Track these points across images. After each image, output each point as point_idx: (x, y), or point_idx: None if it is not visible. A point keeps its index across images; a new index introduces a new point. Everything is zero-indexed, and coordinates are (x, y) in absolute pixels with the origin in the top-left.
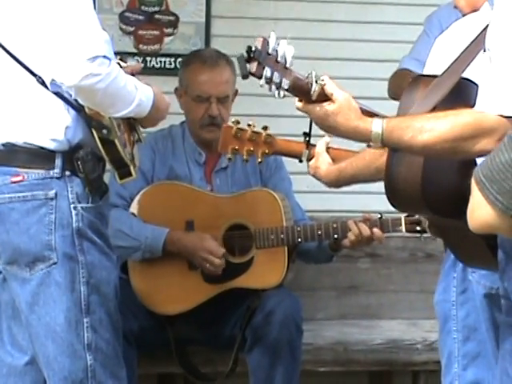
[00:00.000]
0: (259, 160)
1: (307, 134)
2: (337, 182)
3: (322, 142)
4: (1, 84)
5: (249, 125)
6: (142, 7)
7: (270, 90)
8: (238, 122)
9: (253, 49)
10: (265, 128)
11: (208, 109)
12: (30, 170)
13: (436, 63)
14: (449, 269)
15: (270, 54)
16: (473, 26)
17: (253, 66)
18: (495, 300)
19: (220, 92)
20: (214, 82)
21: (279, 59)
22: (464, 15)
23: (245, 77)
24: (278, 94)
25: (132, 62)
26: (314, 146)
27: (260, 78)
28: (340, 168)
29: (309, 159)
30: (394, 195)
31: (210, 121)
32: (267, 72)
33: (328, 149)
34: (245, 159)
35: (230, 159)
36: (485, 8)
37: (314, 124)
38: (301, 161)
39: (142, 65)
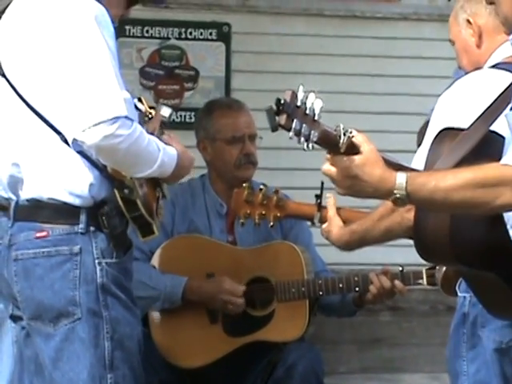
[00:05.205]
0: (271, 224)
1: (318, 197)
2: (348, 245)
3: (331, 203)
4: (27, 141)
5: (260, 189)
6: (163, 62)
7: (299, 142)
8: (249, 187)
9: (282, 101)
10: (276, 192)
11: (242, 149)
12: (55, 225)
13: (442, 120)
14: (458, 324)
15: (298, 107)
16: (478, 83)
17: (282, 119)
18: (505, 354)
19: (251, 131)
20: (246, 122)
21: (308, 112)
22: (467, 73)
23: (274, 129)
24: (307, 146)
25: (166, 111)
26: (326, 207)
27: (289, 130)
28: (351, 230)
29: (321, 221)
30: (423, 248)
31: (246, 159)
32: (296, 124)
33: (339, 209)
34: (256, 223)
35: (242, 224)
36: (487, 66)
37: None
38: (313, 223)
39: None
